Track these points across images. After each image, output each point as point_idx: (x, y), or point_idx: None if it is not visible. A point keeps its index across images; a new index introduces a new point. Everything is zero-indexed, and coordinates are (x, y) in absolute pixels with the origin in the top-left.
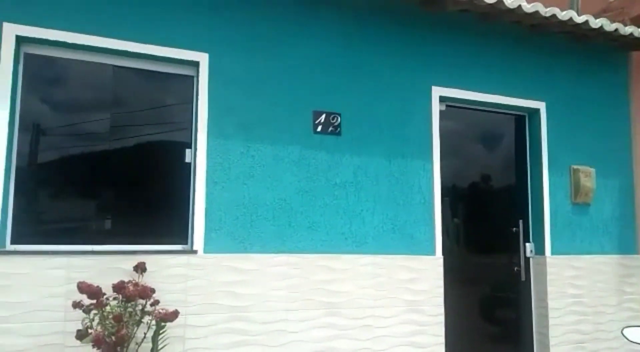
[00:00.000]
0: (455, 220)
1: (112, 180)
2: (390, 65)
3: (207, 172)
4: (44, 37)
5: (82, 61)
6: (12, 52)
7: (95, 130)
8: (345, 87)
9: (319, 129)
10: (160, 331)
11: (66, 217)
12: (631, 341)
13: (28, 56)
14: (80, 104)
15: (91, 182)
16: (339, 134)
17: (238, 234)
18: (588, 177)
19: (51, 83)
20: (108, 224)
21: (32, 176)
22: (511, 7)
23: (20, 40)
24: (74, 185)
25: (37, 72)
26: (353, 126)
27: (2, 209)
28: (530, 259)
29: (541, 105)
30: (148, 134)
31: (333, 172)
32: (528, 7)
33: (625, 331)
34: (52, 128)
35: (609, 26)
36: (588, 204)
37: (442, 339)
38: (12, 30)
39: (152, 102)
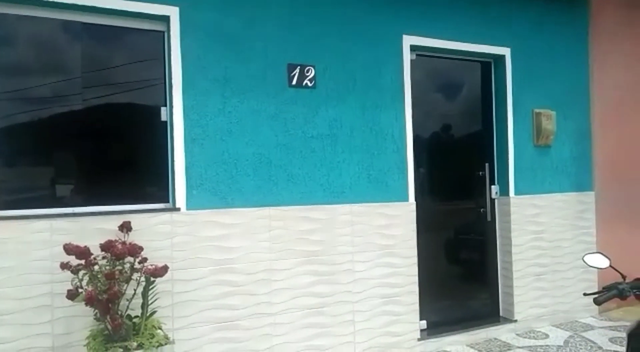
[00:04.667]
0: (422, 169)
1: (89, 142)
2: (362, 15)
3: (185, 129)
4: None
5: (47, 19)
6: None
7: (67, 91)
8: (318, 39)
9: (294, 82)
10: (150, 287)
11: (45, 181)
12: (590, 266)
13: None
14: (49, 65)
15: (68, 145)
16: (314, 86)
17: (219, 190)
18: (549, 120)
19: (17, 43)
20: (87, 186)
21: (7, 143)
22: None
23: None
24: (51, 149)
25: (8, 33)
26: (327, 78)
27: None
28: (496, 201)
29: (506, 52)
30: (121, 94)
31: (309, 125)
32: None
33: (586, 258)
34: (24, 92)
35: None
36: (549, 146)
37: (416, 279)
38: None
39: (123, 61)
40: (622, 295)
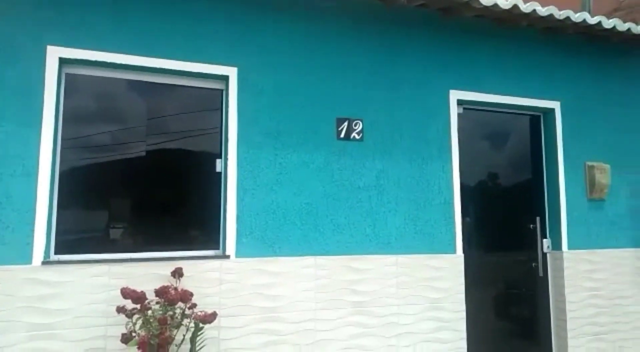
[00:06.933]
0: (468, 219)
1: (148, 190)
2: (409, 71)
3: (238, 180)
4: (83, 58)
5: (118, 79)
6: (56, 73)
7: (131, 144)
8: (367, 94)
9: (342, 135)
10: (199, 333)
11: (104, 226)
12: None
13: (69, 76)
14: (117, 120)
15: (128, 193)
16: (361, 139)
17: (267, 239)
18: (603, 173)
19: (89, 100)
20: (143, 231)
21: (72, 190)
22: (526, 11)
23: (62, 61)
24: (112, 196)
25: (78, 91)
26: (375, 131)
27: (47, 222)
28: (548, 255)
29: (556, 105)
30: (180, 146)
31: (356, 176)
32: (542, 11)
33: None
34: (91, 142)
35: (622, 26)
36: (603, 200)
37: (464, 335)
38: (55, 52)
39: (183, 115)
40: None
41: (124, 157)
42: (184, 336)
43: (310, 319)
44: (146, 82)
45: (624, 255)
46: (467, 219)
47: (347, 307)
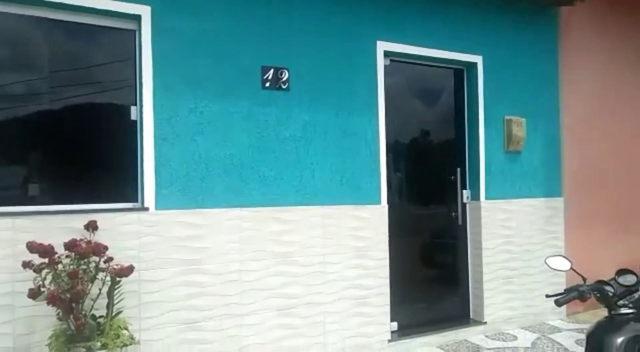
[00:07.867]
0: (399, 174)
1: (57, 140)
2: (336, 19)
3: (155, 128)
4: None
5: (12, 14)
6: None
7: (34, 89)
8: (293, 42)
9: (268, 84)
10: (116, 286)
11: (10, 179)
12: (552, 268)
13: None
14: (15, 62)
15: (35, 143)
16: (287, 89)
17: (190, 190)
18: (519, 126)
19: None
20: (54, 184)
21: None
22: None
23: None
24: (19, 147)
25: None
26: (301, 81)
27: None
28: (467, 205)
29: (478, 59)
30: (91, 92)
31: (283, 127)
32: None
33: (548, 260)
34: None
35: None
36: (519, 152)
37: (387, 281)
38: None
39: (93, 58)
40: (582, 297)
41: (30, 105)
42: (100, 290)
43: (236, 270)
44: (48, 19)
45: (535, 204)
46: (398, 173)
47: (273, 258)
